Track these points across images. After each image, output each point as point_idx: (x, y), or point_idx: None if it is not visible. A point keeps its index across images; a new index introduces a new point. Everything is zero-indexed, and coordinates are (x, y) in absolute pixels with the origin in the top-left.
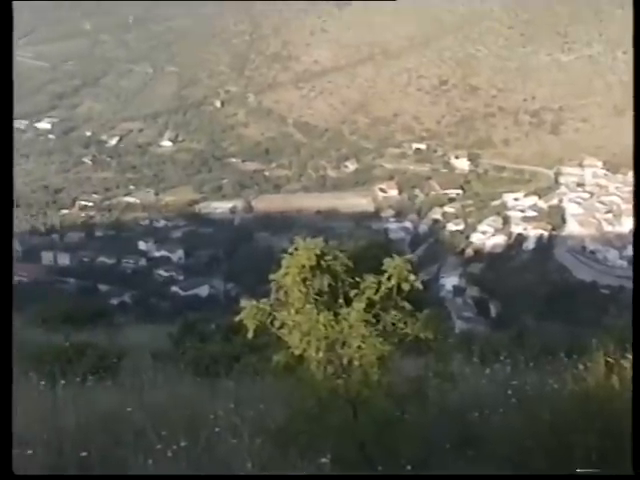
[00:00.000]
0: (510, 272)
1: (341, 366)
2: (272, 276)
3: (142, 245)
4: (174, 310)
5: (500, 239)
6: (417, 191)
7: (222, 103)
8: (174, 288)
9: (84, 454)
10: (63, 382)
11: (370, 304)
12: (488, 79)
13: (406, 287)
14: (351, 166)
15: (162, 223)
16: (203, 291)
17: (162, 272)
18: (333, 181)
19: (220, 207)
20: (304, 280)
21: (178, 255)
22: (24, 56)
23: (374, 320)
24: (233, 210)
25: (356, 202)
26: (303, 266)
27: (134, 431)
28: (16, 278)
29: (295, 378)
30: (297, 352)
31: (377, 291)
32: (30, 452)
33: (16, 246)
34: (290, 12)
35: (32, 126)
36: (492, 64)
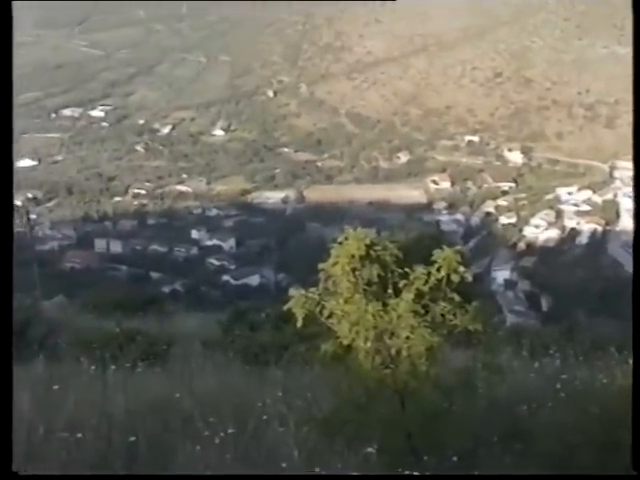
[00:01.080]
0: (562, 266)
1: (389, 356)
2: (321, 265)
3: (194, 234)
4: (224, 299)
5: (553, 233)
6: (469, 184)
7: (275, 93)
8: (225, 277)
9: (132, 439)
10: (113, 368)
11: (419, 295)
12: (543, 72)
13: (456, 279)
14: (403, 158)
15: (214, 212)
16: (254, 280)
17: (213, 261)
18: (385, 172)
19: (272, 197)
20: (353, 270)
21: (230, 244)
22: (79, 44)
23: (423, 311)
24: (285, 200)
25: (408, 194)
26: (352, 256)
27: (182, 418)
28: (69, 265)
29: (343, 368)
30: (345, 342)
31: (426, 282)
32: (80, 436)
33: (69, 233)
34: (344, 3)
35: (86, 114)
36: (547, 56)
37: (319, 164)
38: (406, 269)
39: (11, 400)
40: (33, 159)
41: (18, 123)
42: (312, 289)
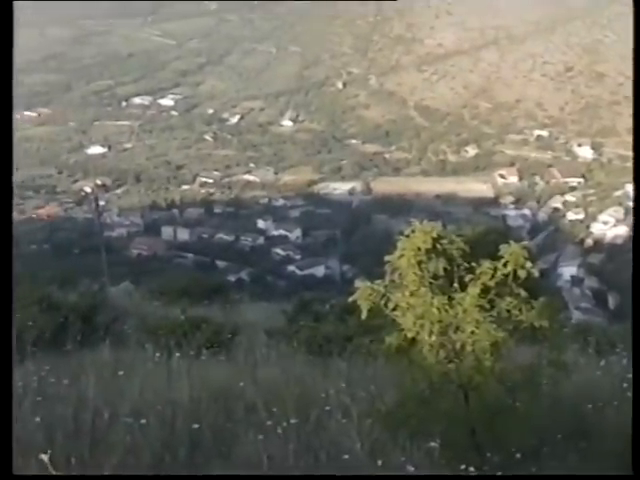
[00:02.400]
0: (630, 264)
1: (454, 351)
2: (387, 258)
3: (260, 223)
4: (290, 289)
5: (622, 230)
6: (537, 178)
7: (344, 84)
8: (290, 267)
9: (196, 426)
10: (178, 355)
11: (485, 290)
12: (615, 66)
13: (522, 274)
14: (471, 151)
15: (281, 202)
16: (319, 271)
17: (279, 251)
18: (453, 166)
19: (339, 188)
20: (419, 263)
21: (296, 234)
22: (151, 33)
23: (489, 306)
24: (352, 191)
25: (475, 187)
26: (419, 249)
27: (246, 406)
28: (136, 251)
29: (407, 361)
30: (410, 335)
31: (493, 277)
32: (144, 422)
33: (137, 220)
34: None
35: (156, 102)
36: (620, 51)
37: (387, 156)
38: (472, 263)
39: (11, 401)
40: (103, 146)
41: (90, 111)
42: (378, 281)
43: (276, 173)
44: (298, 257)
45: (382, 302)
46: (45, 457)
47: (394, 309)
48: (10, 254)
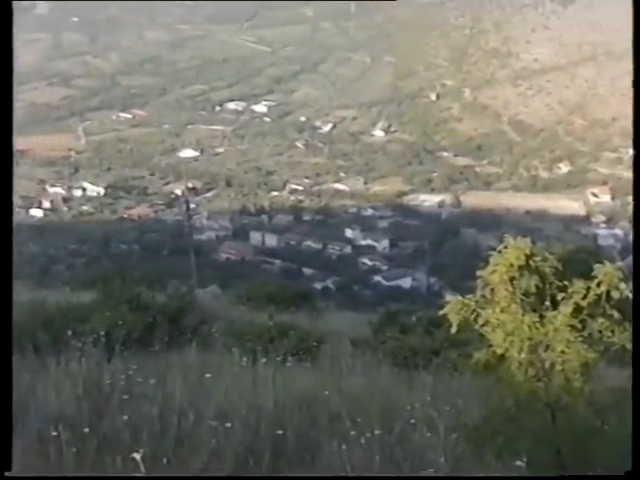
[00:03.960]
0: None
1: (543, 369)
2: (479, 272)
3: (348, 232)
4: (375, 299)
5: None
6: (630, 198)
7: (437, 96)
8: (377, 277)
9: (280, 432)
10: (264, 360)
11: (577, 309)
12: None
13: (616, 295)
14: (564, 168)
15: (369, 212)
16: (406, 283)
17: (366, 260)
18: (544, 182)
19: (428, 200)
20: (511, 279)
21: (383, 245)
22: (246, 40)
23: (580, 326)
24: (441, 204)
25: (567, 205)
26: (511, 265)
27: (330, 415)
28: (224, 255)
29: (495, 377)
30: (499, 351)
31: (585, 297)
32: (228, 425)
33: (226, 224)
34: (513, 7)
35: (249, 108)
36: None
37: (478, 170)
38: (565, 282)
39: (11, 402)
40: (195, 150)
41: (183, 114)
42: (469, 296)
43: (366, 183)
44: (385, 268)
45: (472, 317)
46: (137, 456)
47: (484, 325)
48: (10, 255)
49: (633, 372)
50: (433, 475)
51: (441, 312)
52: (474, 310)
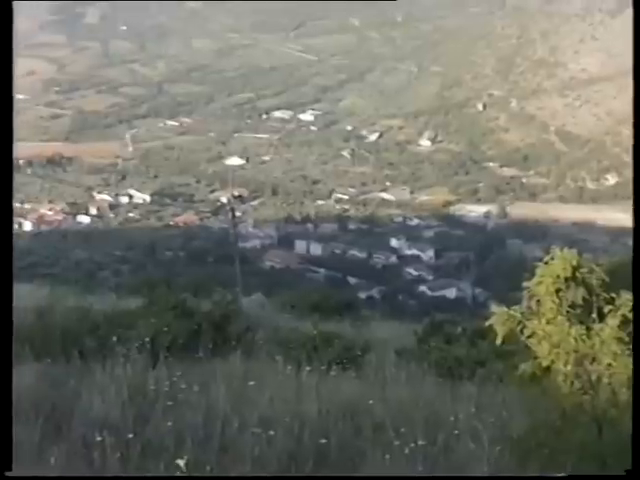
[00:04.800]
0: None
1: (589, 382)
2: (525, 284)
3: (394, 242)
4: (420, 309)
5: None
6: None
7: (484, 106)
8: (422, 287)
9: (323, 441)
10: (308, 369)
11: (624, 322)
12: None
13: None
14: (611, 179)
15: (415, 222)
16: (450, 293)
17: (411, 270)
18: (591, 193)
19: (474, 210)
20: (558, 291)
21: (428, 255)
22: (293, 48)
23: (627, 339)
24: (487, 215)
25: (614, 216)
26: (558, 276)
27: (373, 424)
28: (269, 263)
29: (540, 389)
30: (545, 363)
31: (633, 309)
32: (272, 433)
33: (271, 232)
34: (561, 18)
35: (296, 117)
36: None
37: (524, 180)
38: (612, 294)
39: (11, 402)
40: (242, 158)
41: (230, 122)
42: (514, 307)
43: (412, 192)
44: (430, 278)
45: (518, 328)
46: (182, 462)
47: (530, 336)
48: (10, 255)
49: (633, 372)
50: (433, 475)
51: (487, 323)
52: (520, 321)
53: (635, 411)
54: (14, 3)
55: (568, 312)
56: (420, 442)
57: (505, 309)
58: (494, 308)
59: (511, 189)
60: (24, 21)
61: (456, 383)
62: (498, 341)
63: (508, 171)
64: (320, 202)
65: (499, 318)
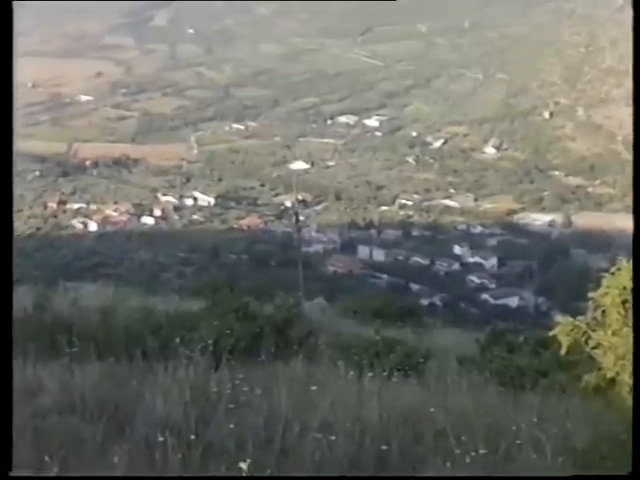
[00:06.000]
0: None
1: None
2: (591, 294)
3: (457, 249)
4: (482, 317)
5: None
6: None
7: (550, 114)
8: (484, 295)
9: (384, 447)
10: (370, 375)
11: None
12: None
13: None
14: None
15: (478, 229)
16: (513, 302)
17: (474, 278)
18: None
19: (539, 219)
20: (624, 302)
21: (491, 263)
22: (359, 54)
23: None
24: (551, 224)
25: None
26: (624, 288)
27: (434, 432)
28: (332, 268)
29: (604, 401)
30: (609, 375)
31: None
32: (333, 438)
33: (334, 237)
34: (630, 25)
35: (361, 122)
36: None
37: (590, 190)
38: None
39: (11, 402)
40: (306, 162)
41: (295, 127)
42: (579, 317)
43: (476, 200)
44: (493, 286)
45: (582, 339)
46: (244, 465)
47: (594, 347)
48: (10, 256)
49: (633, 372)
50: (433, 475)
51: (551, 333)
52: (585, 332)
53: (635, 411)
54: (14, 3)
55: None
56: (481, 451)
57: (570, 319)
58: (559, 318)
59: (576, 198)
60: (94, 23)
61: (518, 393)
62: (562, 351)
63: (574, 180)
64: (384, 208)
65: (564, 328)
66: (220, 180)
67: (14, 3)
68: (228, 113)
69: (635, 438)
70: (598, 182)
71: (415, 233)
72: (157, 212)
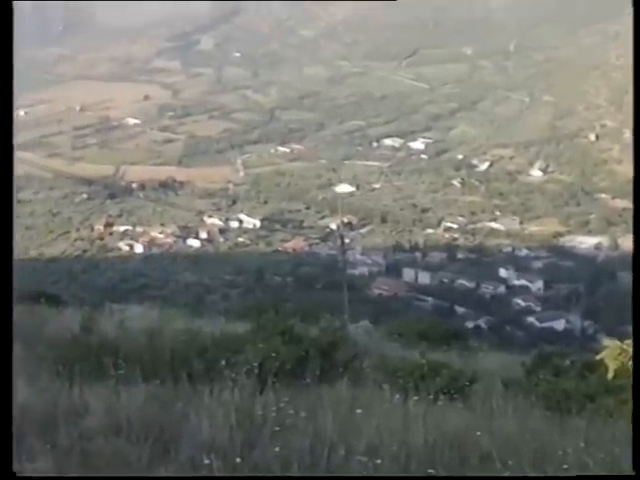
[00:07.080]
0: None
1: None
2: None
3: (502, 272)
4: (528, 340)
5: None
6: None
7: (597, 137)
8: (530, 318)
9: (430, 471)
10: (415, 398)
11: None
12: None
13: None
14: None
15: (524, 252)
16: (559, 325)
17: (520, 301)
18: None
19: (585, 242)
20: None
21: (537, 286)
22: (404, 77)
23: None
24: (598, 246)
25: None
26: None
27: (480, 456)
28: (377, 291)
29: None
30: None
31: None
32: (378, 462)
33: (379, 260)
34: None
35: (406, 145)
36: None
37: None
38: None
39: (11, 402)
40: (352, 185)
41: (340, 149)
42: (627, 341)
43: (522, 223)
44: (538, 309)
45: (630, 363)
46: None
47: None
48: (10, 257)
49: (633, 372)
50: (433, 475)
51: (598, 356)
52: (632, 356)
53: (635, 411)
54: (14, 3)
55: None
56: (530, 474)
57: (617, 343)
58: (606, 342)
59: (623, 221)
60: (142, 48)
61: (564, 417)
62: (609, 375)
63: (620, 203)
64: (429, 231)
65: (611, 352)
66: (265, 202)
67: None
68: (274, 136)
69: (635, 438)
70: None
71: (460, 256)
72: (203, 234)
